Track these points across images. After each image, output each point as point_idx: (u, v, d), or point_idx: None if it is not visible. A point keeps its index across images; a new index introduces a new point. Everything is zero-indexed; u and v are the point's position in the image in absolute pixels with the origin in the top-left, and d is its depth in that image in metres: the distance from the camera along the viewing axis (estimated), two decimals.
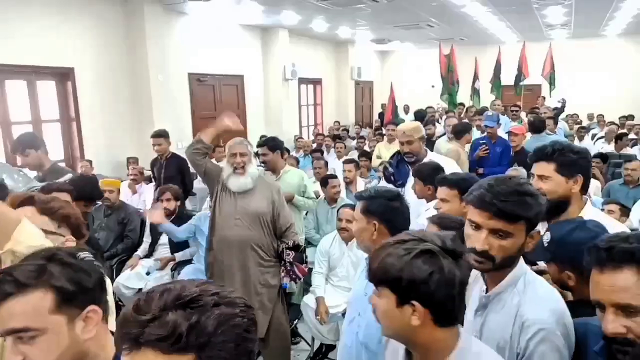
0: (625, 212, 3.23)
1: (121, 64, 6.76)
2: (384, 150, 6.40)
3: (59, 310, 1.02)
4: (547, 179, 1.80)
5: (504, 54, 10.77)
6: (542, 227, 1.83)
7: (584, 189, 1.86)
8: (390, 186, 3.12)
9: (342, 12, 8.28)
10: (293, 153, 7.65)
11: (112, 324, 1.19)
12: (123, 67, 6.79)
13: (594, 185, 4.82)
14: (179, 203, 4.16)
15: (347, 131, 10.15)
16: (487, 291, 1.39)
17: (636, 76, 12.37)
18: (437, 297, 1.02)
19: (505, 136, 5.41)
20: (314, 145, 8.18)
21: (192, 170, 6.95)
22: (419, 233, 1.12)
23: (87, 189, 2.92)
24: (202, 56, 8.26)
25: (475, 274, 1.50)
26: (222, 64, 8.79)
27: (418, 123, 3.48)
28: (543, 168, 1.81)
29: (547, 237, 1.52)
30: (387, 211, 1.77)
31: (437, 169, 2.95)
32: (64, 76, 6.16)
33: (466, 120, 7.21)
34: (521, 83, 9.82)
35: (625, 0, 8.08)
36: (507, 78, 10.71)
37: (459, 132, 5.17)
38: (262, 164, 4.04)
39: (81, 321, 1.06)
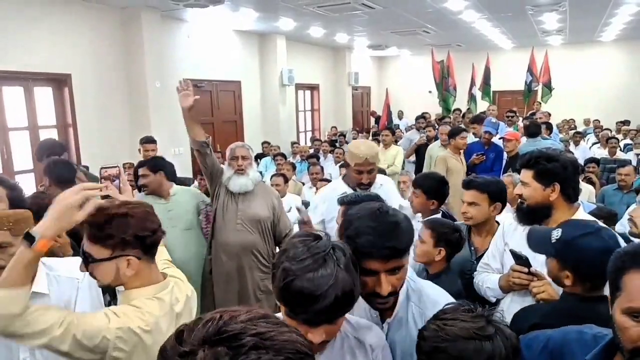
0: (610, 220, 3.25)
1: (118, 70, 6.79)
2: (380, 156, 6.41)
3: None
4: (526, 185, 1.89)
5: (500, 60, 10.85)
6: (523, 228, 1.87)
7: (570, 197, 1.87)
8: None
9: (339, 19, 8.33)
10: (290, 159, 7.67)
11: None
12: (120, 74, 6.82)
13: (588, 190, 4.84)
14: None
15: (344, 136, 10.18)
16: (381, 316, 1.38)
17: (631, 81, 12.44)
18: None
19: (499, 142, 5.45)
20: (312, 151, 8.21)
21: (190, 174, 6.99)
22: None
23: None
24: (199, 62, 8.29)
25: None
26: (219, 70, 8.83)
27: (376, 146, 3.02)
28: (524, 174, 1.90)
29: (556, 234, 1.52)
30: None
31: (443, 182, 2.87)
32: (60, 82, 6.19)
33: (462, 125, 7.26)
34: (534, 89, 9.84)
35: (620, 7, 8.15)
36: (505, 84, 10.79)
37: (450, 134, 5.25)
38: (144, 187, 3.41)
39: None
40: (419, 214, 2.76)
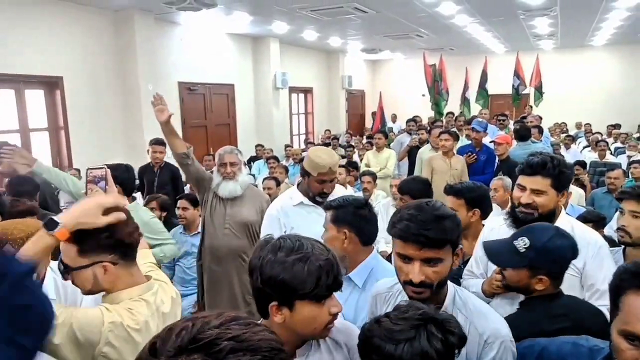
0: (599, 224, 3.29)
1: (111, 73, 6.77)
2: (373, 159, 6.45)
3: None
4: (541, 194, 1.79)
5: (492, 64, 10.93)
6: (508, 231, 1.88)
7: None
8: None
9: (332, 22, 8.36)
10: (283, 162, 7.67)
11: None
12: (113, 76, 6.80)
13: (578, 193, 4.88)
14: (164, 213, 4.15)
15: (337, 139, 10.20)
16: None
17: (622, 85, 12.55)
18: None
19: (491, 145, 5.47)
20: (304, 154, 8.22)
21: (183, 178, 6.99)
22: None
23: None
24: (193, 65, 8.29)
25: (385, 294, 1.54)
26: (213, 73, 8.83)
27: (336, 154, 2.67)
28: (539, 182, 1.80)
29: (523, 243, 1.52)
30: (356, 219, 1.80)
31: (428, 184, 2.96)
32: (52, 85, 6.16)
33: (454, 129, 7.30)
34: (522, 92, 9.92)
35: (610, 12, 8.23)
36: (498, 87, 10.87)
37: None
38: None
39: None
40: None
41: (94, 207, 1.27)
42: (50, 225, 1.22)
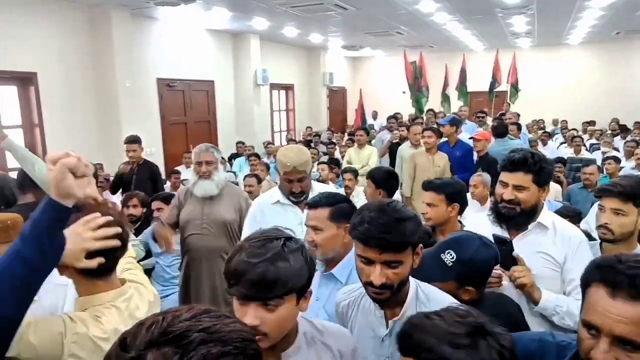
0: (575, 219, 3.35)
1: (87, 69, 6.62)
2: (354, 156, 6.47)
3: None
4: (524, 189, 1.82)
5: (471, 61, 11.06)
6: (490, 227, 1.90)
7: None
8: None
9: (313, 19, 8.34)
10: (264, 159, 7.64)
11: None
12: (89, 73, 6.65)
13: (555, 189, 4.97)
14: (145, 210, 4.09)
15: (319, 136, 10.19)
16: (385, 315, 1.41)
17: (597, 83, 12.83)
18: None
19: (469, 142, 5.53)
20: None
21: (163, 175, 6.89)
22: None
23: None
24: (172, 61, 8.18)
25: (347, 300, 1.52)
26: (192, 70, 8.72)
27: (308, 152, 2.61)
28: (520, 178, 1.82)
29: (450, 257, 1.54)
30: (352, 214, 1.80)
31: (392, 174, 3.04)
32: (26, 81, 6.00)
33: (434, 126, 7.35)
34: (495, 90, 10.08)
35: (584, 11, 8.40)
36: (477, 85, 11.01)
37: None
38: None
39: None
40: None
41: (78, 251, 1.26)
42: None
